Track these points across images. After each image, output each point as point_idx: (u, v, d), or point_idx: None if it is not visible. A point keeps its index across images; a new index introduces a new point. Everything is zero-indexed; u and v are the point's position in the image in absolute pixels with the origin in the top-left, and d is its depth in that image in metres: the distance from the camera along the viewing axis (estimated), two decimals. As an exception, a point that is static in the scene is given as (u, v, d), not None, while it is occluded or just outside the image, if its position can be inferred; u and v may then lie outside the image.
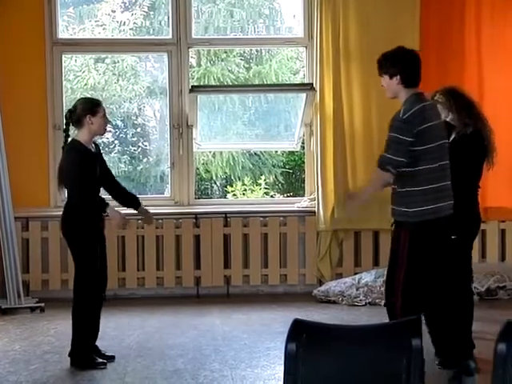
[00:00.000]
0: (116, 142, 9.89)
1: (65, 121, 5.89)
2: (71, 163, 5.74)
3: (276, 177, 10.72)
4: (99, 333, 5.90)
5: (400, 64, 4.95)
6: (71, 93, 9.38)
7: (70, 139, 5.83)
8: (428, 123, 4.88)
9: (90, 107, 5.76)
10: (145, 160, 9.88)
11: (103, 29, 9.52)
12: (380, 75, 5.07)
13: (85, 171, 5.68)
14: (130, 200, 6.15)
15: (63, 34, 8.65)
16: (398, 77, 4.94)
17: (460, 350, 5.61)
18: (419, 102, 4.92)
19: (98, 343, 5.96)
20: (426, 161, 4.87)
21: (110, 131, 9.86)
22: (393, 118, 4.95)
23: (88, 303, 5.68)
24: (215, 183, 10.80)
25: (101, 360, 5.74)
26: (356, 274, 8.22)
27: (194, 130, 8.50)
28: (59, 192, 6.34)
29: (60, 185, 5.89)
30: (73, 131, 5.95)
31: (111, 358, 5.85)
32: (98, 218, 5.82)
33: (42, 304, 7.61)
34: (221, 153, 10.28)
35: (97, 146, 6.01)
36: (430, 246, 4.93)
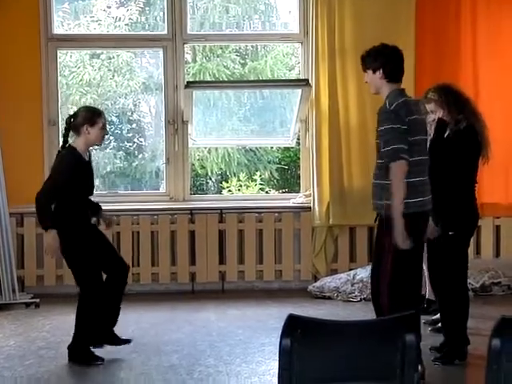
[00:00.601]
0: (111, 137, 9.87)
1: (65, 125, 5.88)
2: (61, 166, 5.73)
3: (271, 173, 10.71)
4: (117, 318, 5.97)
5: (382, 58, 5.03)
6: (66, 88, 9.36)
7: (67, 145, 5.83)
8: (413, 116, 4.94)
9: (89, 117, 5.76)
10: (140, 156, 9.86)
11: (98, 24, 9.50)
12: (364, 71, 5.17)
13: (68, 180, 5.67)
14: (93, 207, 6.09)
15: (58, 29, 8.63)
16: (381, 71, 5.02)
17: (454, 346, 5.62)
18: (402, 96, 5.01)
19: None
20: (414, 153, 4.89)
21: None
22: (379, 112, 5.00)
23: (91, 301, 5.68)
24: (210, 179, 10.79)
25: (99, 355, 5.74)
26: (351, 269, 8.23)
27: (189, 125, 8.50)
28: None
29: None
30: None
31: (128, 342, 5.98)
32: (84, 221, 5.82)
33: (37, 300, 7.61)
34: (216, 149, 10.27)
35: (89, 153, 6.00)
36: (415, 239, 4.91)
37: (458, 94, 5.79)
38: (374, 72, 5.05)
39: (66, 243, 5.68)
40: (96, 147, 6.99)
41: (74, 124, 5.77)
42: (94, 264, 5.72)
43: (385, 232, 4.94)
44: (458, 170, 5.54)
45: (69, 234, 5.68)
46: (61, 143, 5.97)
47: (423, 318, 6.45)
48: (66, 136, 5.85)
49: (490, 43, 8.33)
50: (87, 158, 5.86)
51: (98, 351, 5.79)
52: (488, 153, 5.72)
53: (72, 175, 5.67)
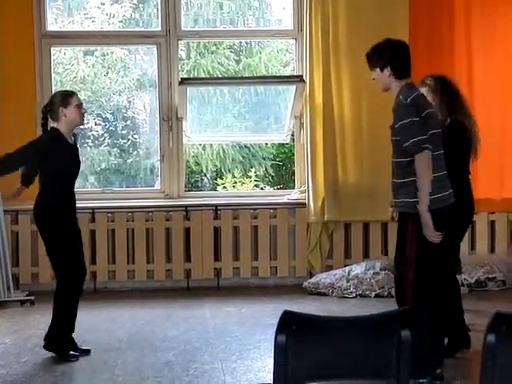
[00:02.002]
0: (106, 134, 9.86)
1: (41, 115, 5.91)
2: (39, 138, 5.82)
3: (266, 169, 10.71)
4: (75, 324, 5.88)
5: (389, 55, 4.91)
6: (60, 86, 9.33)
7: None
8: (428, 109, 4.86)
9: (61, 99, 5.81)
10: (135, 153, 9.85)
11: (92, 21, 9.48)
12: (370, 69, 5.02)
13: (56, 155, 5.71)
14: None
15: (52, 26, 8.61)
16: (389, 68, 4.90)
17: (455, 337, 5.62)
18: (415, 90, 4.91)
19: (91, 335, 5.97)
20: (433, 147, 4.79)
21: (99, 124, 9.85)
22: (395, 108, 4.88)
23: (69, 294, 5.68)
24: (205, 176, 10.78)
25: (72, 352, 5.74)
26: (346, 265, 8.24)
27: (183, 122, 8.49)
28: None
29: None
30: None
31: (87, 352, 5.86)
32: (70, 211, 5.82)
33: (32, 297, 7.60)
34: (211, 145, 10.27)
35: (75, 137, 6.02)
36: (442, 232, 4.89)
37: (454, 87, 5.79)
38: (382, 70, 4.92)
39: (47, 227, 5.70)
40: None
41: (51, 111, 5.81)
42: (72, 251, 5.70)
43: (409, 228, 4.88)
44: (451, 161, 5.53)
45: (51, 218, 5.69)
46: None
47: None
48: (44, 125, 5.88)
49: (484, 41, 8.34)
50: (71, 141, 5.87)
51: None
52: (477, 150, 5.72)
53: (50, 146, 5.71)
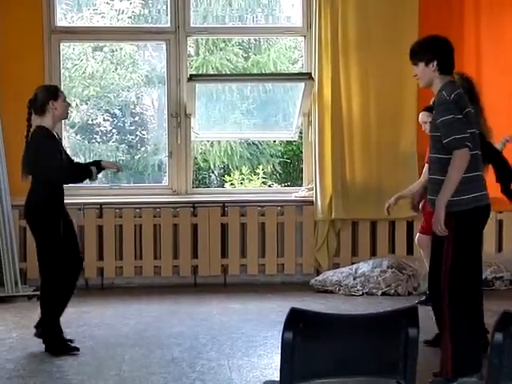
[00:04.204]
0: (114, 130, 9.88)
1: (27, 111, 5.86)
2: (45, 148, 5.73)
3: (274, 166, 10.71)
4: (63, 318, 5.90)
5: (436, 50, 4.90)
6: (69, 81, 9.36)
7: (33, 127, 5.81)
8: (468, 108, 4.83)
9: (51, 93, 5.80)
10: (143, 149, 9.87)
11: (101, 17, 9.49)
12: (414, 64, 4.98)
13: (57, 154, 5.73)
14: (92, 164, 6.10)
15: (61, 22, 8.62)
16: (435, 63, 4.87)
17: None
18: (457, 88, 4.88)
19: (98, 331, 5.97)
20: (472, 146, 4.76)
21: (107, 120, 9.86)
22: (438, 103, 4.85)
23: (56, 286, 5.69)
24: (213, 172, 10.79)
25: (73, 345, 5.76)
26: (353, 263, 8.23)
27: (192, 119, 8.49)
28: (22, 180, 5.99)
29: (25, 173, 5.85)
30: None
31: (70, 342, 5.86)
32: (60, 204, 5.83)
33: (39, 292, 7.60)
34: (219, 142, 10.27)
35: (57, 133, 6.01)
36: (476, 233, 4.88)
37: (477, 92, 5.77)
38: (427, 64, 4.89)
39: (40, 226, 5.70)
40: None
41: (37, 105, 5.77)
42: (60, 248, 5.69)
43: (448, 227, 4.84)
44: None
45: (43, 218, 5.68)
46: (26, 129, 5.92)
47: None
48: (29, 120, 5.85)
49: (493, 42, 8.31)
50: (58, 137, 5.90)
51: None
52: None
53: (56, 151, 5.71)
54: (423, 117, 6.58)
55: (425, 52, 4.93)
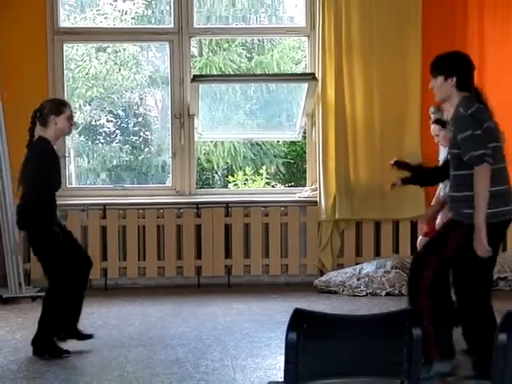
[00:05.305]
0: (117, 131, 9.88)
1: (30, 119, 5.86)
2: (40, 160, 5.71)
3: (277, 167, 10.71)
4: (80, 316, 5.96)
5: (457, 66, 4.90)
6: (72, 82, 9.37)
7: (36, 137, 5.80)
8: (489, 122, 4.81)
9: (55, 107, 5.78)
10: (146, 150, 9.87)
11: (105, 18, 9.50)
12: (434, 76, 4.97)
13: (51, 172, 5.70)
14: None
15: (64, 23, 8.63)
16: (454, 79, 4.86)
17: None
18: (475, 103, 4.84)
19: (99, 331, 6.01)
20: (495, 160, 4.75)
21: (111, 121, 9.87)
22: (456, 118, 4.84)
23: (60, 293, 5.68)
24: (216, 173, 10.79)
25: (64, 349, 5.75)
26: (357, 264, 8.23)
27: (195, 119, 8.50)
28: (18, 190, 6.00)
29: (21, 183, 5.83)
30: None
31: (89, 337, 5.95)
32: (54, 215, 5.81)
33: (43, 293, 7.60)
34: (222, 143, 10.28)
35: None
36: (493, 248, 4.82)
37: (485, 101, 5.75)
38: (446, 79, 4.89)
39: (37, 236, 5.68)
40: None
41: (41, 116, 5.77)
42: (63, 257, 5.68)
43: (454, 234, 4.84)
44: None
45: (40, 227, 5.66)
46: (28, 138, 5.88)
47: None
48: (32, 130, 5.83)
49: (497, 43, 8.30)
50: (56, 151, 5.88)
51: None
52: None
53: (51, 164, 5.70)
54: (435, 129, 6.60)
55: (445, 67, 4.92)
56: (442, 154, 6.64)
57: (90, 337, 5.98)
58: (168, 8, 8.69)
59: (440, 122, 6.48)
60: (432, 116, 7.05)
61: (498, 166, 4.82)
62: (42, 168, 5.70)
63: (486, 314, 4.94)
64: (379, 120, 8.26)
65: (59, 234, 5.72)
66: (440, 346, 4.94)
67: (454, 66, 4.92)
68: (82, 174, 9.48)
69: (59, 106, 5.81)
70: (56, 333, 5.78)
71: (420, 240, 7.00)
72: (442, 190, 6.87)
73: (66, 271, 5.68)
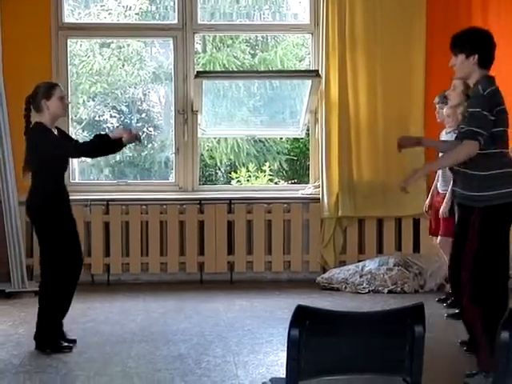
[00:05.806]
0: (121, 127, 9.88)
1: (24, 106, 5.85)
2: (45, 139, 5.72)
3: (280, 164, 10.70)
4: (67, 314, 5.87)
5: (478, 43, 4.84)
6: (76, 77, 9.37)
7: (32, 123, 5.81)
8: (503, 105, 4.81)
9: (44, 91, 5.76)
10: (149, 145, 9.87)
11: (109, 13, 9.49)
12: (454, 54, 4.91)
13: (52, 154, 5.72)
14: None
15: (69, 18, 8.63)
16: (476, 56, 4.81)
17: None
18: (494, 84, 4.83)
19: (104, 327, 5.95)
20: (497, 144, 4.76)
21: (114, 116, 9.87)
22: (472, 96, 4.84)
23: (55, 286, 5.67)
24: (219, 169, 10.79)
25: (66, 344, 5.75)
26: (360, 261, 8.22)
27: (198, 115, 8.49)
28: (24, 178, 6.02)
29: (26, 169, 5.85)
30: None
31: (73, 342, 5.83)
32: (64, 201, 5.82)
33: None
34: (225, 139, 10.27)
35: (61, 131, 5.95)
36: (503, 230, 4.85)
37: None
38: (468, 57, 4.83)
39: (43, 223, 5.68)
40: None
41: (34, 103, 5.77)
42: (62, 250, 5.68)
43: (473, 222, 4.81)
44: None
45: (46, 214, 5.67)
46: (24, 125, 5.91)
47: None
48: (27, 117, 5.84)
49: (501, 42, 8.26)
50: (56, 134, 5.85)
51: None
52: None
53: (50, 146, 5.70)
54: (446, 111, 6.68)
55: (467, 44, 4.86)
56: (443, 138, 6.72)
57: (73, 341, 5.85)
58: (172, 4, 8.69)
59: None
60: (437, 106, 7.08)
61: (507, 150, 4.83)
62: (42, 153, 5.70)
63: (502, 302, 4.85)
64: (383, 117, 8.25)
65: (64, 231, 5.71)
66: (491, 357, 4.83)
67: (476, 43, 4.85)
68: (86, 170, 9.48)
69: (48, 90, 5.77)
70: (58, 327, 5.77)
71: (440, 240, 6.97)
72: (439, 181, 6.94)
73: (58, 270, 5.66)
